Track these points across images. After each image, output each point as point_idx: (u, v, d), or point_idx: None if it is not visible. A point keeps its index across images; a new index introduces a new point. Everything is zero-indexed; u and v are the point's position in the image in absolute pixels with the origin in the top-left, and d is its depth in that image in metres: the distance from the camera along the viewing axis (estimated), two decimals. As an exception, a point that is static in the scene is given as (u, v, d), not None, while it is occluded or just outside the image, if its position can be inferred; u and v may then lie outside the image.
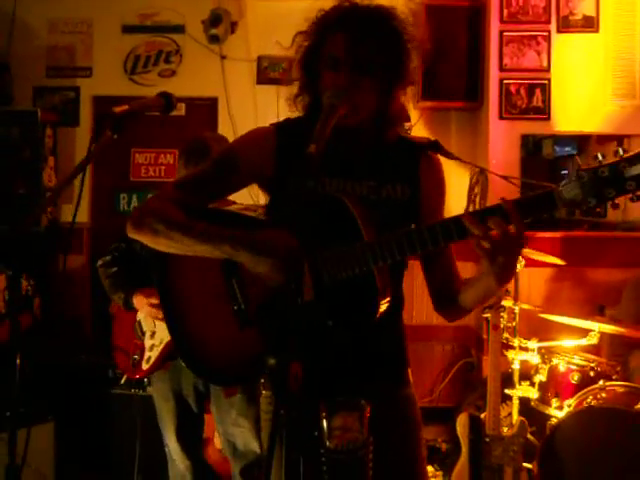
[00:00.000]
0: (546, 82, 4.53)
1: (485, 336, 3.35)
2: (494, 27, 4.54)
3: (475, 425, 3.21)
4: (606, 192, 1.28)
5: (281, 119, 1.78)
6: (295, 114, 1.74)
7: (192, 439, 3.06)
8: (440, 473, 3.94)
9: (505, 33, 4.54)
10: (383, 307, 1.53)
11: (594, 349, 3.46)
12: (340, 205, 1.54)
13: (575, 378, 3.25)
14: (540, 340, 3.42)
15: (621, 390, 3.15)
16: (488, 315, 3.25)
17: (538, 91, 4.53)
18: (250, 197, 2.97)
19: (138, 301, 2.91)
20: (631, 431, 2.91)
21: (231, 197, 2.75)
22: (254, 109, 4.87)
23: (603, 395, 3.11)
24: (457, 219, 1.40)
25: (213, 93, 5.03)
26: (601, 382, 3.14)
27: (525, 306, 3.54)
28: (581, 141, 6.11)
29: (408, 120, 4.52)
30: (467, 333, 4.69)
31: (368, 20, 1.60)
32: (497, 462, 3.16)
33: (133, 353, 3.04)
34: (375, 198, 1.66)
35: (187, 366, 1.77)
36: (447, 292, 1.72)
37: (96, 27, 5.11)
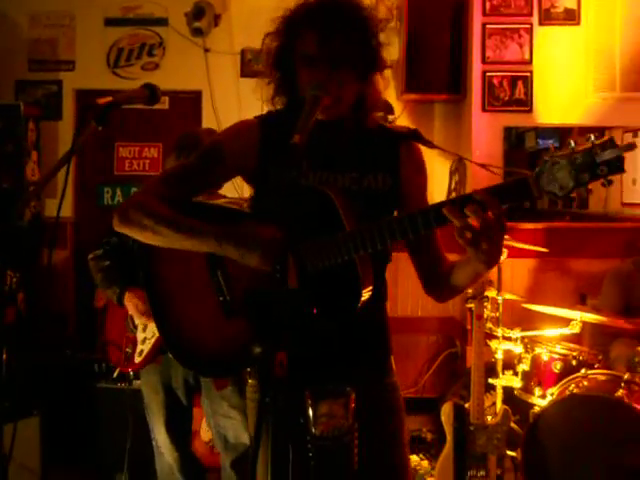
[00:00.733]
0: (528, 74, 4.57)
1: (469, 326, 3.38)
2: (477, 20, 4.56)
3: (459, 414, 3.24)
4: (580, 177, 1.31)
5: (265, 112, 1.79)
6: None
7: (181, 432, 3.07)
8: (425, 462, 3.98)
9: (488, 26, 4.56)
10: (365, 296, 1.55)
11: (576, 338, 3.50)
12: (323, 197, 1.56)
13: (558, 367, 3.29)
14: (523, 330, 3.45)
15: (603, 378, 3.19)
16: (472, 305, 3.28)
17: (520, 83, 4.56)
18: (235, 190, 2.99)
19: (127, 300, 2.94)
20: (613, 418, 2.96)
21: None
22: (238, 102, 4.86)
23: (585, 383, 3.15)
24: (436, 208, 1.42)
25: (197, 86, 5.01)
26: (583, 370, 3.19)
27: (508, 296, 3.57)
28: (563, 133, 6.18)
29: (392, 112, 4.55)
30: (452, 324, 4.72)
31: (335, 13, 1.62)
32: (481, 450, 3.19)
33: (125, 346, 3.05)
34: (356, 189, 1.68)
35: (175, 359, 1.79)
36: (435, 274, 1.74)
37: (79, 20, 5.07)
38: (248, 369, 1.79)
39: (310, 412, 1.45)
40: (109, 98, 1.54)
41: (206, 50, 4.96)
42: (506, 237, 3.52)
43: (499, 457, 3.22)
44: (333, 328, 1.61)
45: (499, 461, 3.22)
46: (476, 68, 4.57)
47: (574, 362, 3.27)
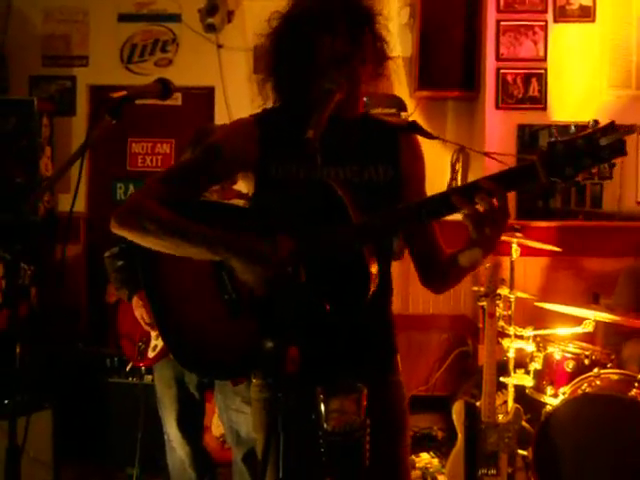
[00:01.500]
0: (542, 72, 4.54)
1: (481, 325, 3.37)
2: (491, 16, 4.54)
3: (471, 412, 3.24)
4: (583, 162, 1.33)
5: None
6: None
7: (193, 426, 3.08)
8: (436, 460, 3.97)
9: (502, 22, 4.54)
10: (372, 287, 1.54)
11: (589, 337, 3.48)
12: (328, 190, 1.56)
13: (570, 366, 3.27)
14: (535, 328, 3.43)
15: (615, 377, 3.18)
16: (484, 303, 3.27)
17: (534, 81, 4.53)
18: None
19: (134, 306, 2.99)
20: (625, 418, 2.94)
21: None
22: (251, 98, 4.85)
23: (597, 382, 3.13)
24: (445, 197, 1.44)
25: (210, 82, 5.02)
26: (595, 370, 3.16)
27: (521, 294, 3.56)
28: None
29: (404, 109, 4.54)
30: (463, 322, 4.71)
31: (341, 10, 1.63)
32: (492, 449, 3.18)
33: (139, 341, 3.06)
34: (357, 181, 1.68)
35: (180, 364, 1.75)
36: (432, 265, 1.75)
37: (92, 16, 5.10)
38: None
39: (322, 408, 1.45)
40: (123, 92, 1.55)
41: (219, 46, 4.97)
42: (519, 235, 3.52)
43: (510, 456, 3.21)
44: (341, 324, 1.60)
45: (510, 460, 3.21)
46: (490, 65, 4.55)
47: (587, 361, 3.25)
